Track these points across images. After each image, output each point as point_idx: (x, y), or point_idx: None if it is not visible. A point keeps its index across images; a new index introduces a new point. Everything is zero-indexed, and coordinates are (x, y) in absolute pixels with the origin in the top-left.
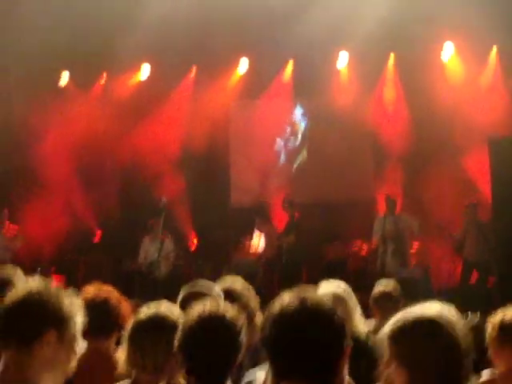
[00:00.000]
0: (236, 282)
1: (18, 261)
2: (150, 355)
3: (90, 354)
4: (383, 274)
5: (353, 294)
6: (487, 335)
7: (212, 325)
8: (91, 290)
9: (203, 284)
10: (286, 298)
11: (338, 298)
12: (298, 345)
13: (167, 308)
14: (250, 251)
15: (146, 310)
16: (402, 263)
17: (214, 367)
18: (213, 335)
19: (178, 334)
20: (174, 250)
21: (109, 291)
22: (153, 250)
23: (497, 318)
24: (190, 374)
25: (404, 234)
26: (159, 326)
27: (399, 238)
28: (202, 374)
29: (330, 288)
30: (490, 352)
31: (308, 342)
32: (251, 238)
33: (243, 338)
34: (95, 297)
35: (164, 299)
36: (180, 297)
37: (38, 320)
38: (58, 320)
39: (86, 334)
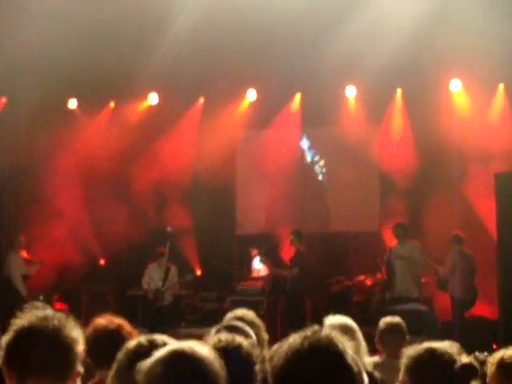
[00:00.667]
0: (248, 313)
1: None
2: None
3: None
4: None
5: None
6: (488, 372)
7: (228, 356)
8: (102, 320)
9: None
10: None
11: (348, 329)
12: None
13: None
14: (252, 276)
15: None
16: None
17: None
18: (229, 367)
19: None
20: (179, 279)
21: (120, 322)
22: (157, 278)
23: (497, 355)
24: None
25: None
26: (141, 356)
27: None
28: None
29: (338, 319)
30: None
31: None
32: (252, 264)
33: (257, 369)
34: (107, 327)
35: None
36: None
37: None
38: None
39: (98, 363)
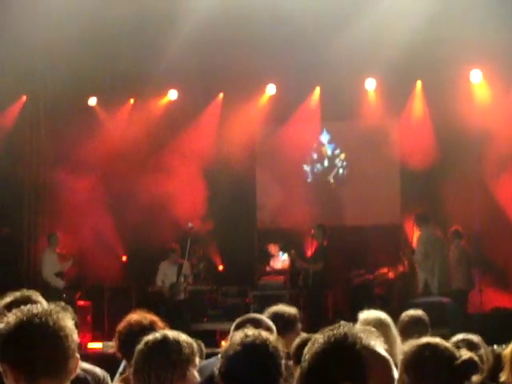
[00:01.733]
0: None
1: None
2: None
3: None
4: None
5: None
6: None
7: (254, 352)
8: (135, 316)
9: (255, 316)
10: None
11: (381, 324)
12: None
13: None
14: (274, 269)
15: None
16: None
17: None
18: (257, 362)
19: (220, 361)
20: (191, 273)
21: (152, 318)
22: (171, 275)
23: None
24: None
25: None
26: (151, 349)
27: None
28: None
29: (373, 314)
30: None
31: None
32: (272, 259)
33: (282, 365)
34: (140, 323)
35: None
36: (233, 325)
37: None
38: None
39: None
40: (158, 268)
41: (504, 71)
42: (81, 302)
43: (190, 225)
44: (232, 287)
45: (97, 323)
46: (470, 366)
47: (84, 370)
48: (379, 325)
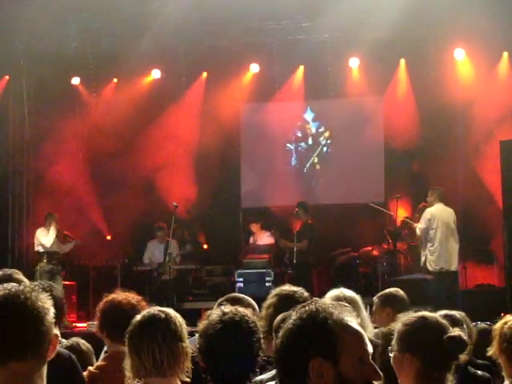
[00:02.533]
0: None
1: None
2: (147, 356)
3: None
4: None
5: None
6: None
7: (234, 328)
8: (117, 296)
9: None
10: None
11: (346, 300)
12: None
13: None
14: (256, 244)
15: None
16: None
17: (236, 371)
18: (237, 338)
19: (199, 340)
20: (179, 252)
21: (134, 298)
22: (158, 253)
23: (499, 324)
24: (212, 379)
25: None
26: (152, 324)
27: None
28: (225, 379)
29: (335, 292)
30: (501, 360)
31: None
32: (254, 234)
33: (261, 341)
34: (121, 302)
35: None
36: (216, 304)
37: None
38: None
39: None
40: (145, 247)
41: (486, 49)
42: (65, 282)
43: (174, 204)
44: (217, 266)
45: (82, 303)
46: (458, 343)
47: (68, 348)
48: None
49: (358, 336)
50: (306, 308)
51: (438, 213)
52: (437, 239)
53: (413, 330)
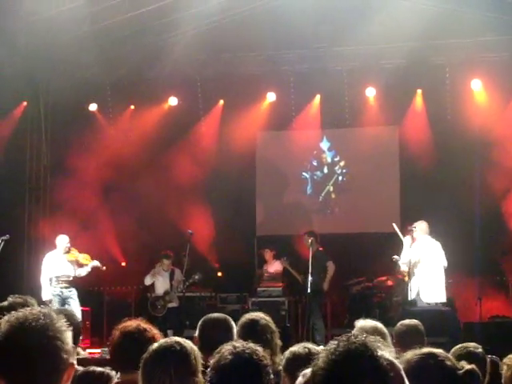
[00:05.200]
0: (264, 317)
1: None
2: None
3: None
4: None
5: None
6: (503, 376)
7: (246, 361)
8: (129, 324)
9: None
10: None
11: (379, 332)
12: None
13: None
14: (268, 271)
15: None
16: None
17: None
18: (247, 372)
19: (210, 372)
20: (186, 280)
21: (146, 326)
22: (163, 280)
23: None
24: None
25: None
26: (166, 356)
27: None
28: None
29: (370, 323)
30: None
31: None
32: (267, 262)
33: (271, 376)
34: (134, 331)
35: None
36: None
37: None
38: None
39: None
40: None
41: (503, 80)
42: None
43: (189, 231)
44: (231, 294)
45: (95, 329)
46: (472, 377)
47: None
48: (376, 333)
49: (400, 371)
50: (352, 340)
51: None
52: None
53: (426, 367)
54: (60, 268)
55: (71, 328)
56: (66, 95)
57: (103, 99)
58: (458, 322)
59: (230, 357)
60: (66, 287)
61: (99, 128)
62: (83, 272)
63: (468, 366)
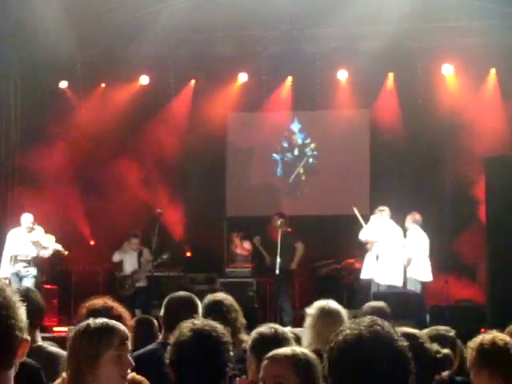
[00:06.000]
0: (227, 297)
1: None
2: None
3: None
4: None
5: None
6: (468, 357)
7: (205, 337)
8: (96, 302)
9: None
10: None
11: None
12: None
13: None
14: (237, 252)
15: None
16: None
17: (205, 380)
18: (207, 347)
19: (170, 349)
20: (154, 260)
21: (113, 304)
22: (130, 260)
23: (477, 340)
24: None
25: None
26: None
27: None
28: None
29: (323, 303)
30: (471, 375)
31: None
32: (234, 244)
33: (230, 353)
34: (103, 307)
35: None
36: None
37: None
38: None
39: None
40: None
41: (474, 65)
42: (47, 286)
43: (158, 210)
44: (200, 274)
45: (63, 307)
46: (445, 362)
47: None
48: (335, 313)
49: None
50: (379, 324)
51: None
52: None
53: None
54: (21, 247)
55: (26, 305)
56: (37, 72)
57: (74, 77)
58: (424, 305)
59: (189, 333)
60: (24, 266)
61: (69, 106)
62: (46, 254)
63: (445, 350)
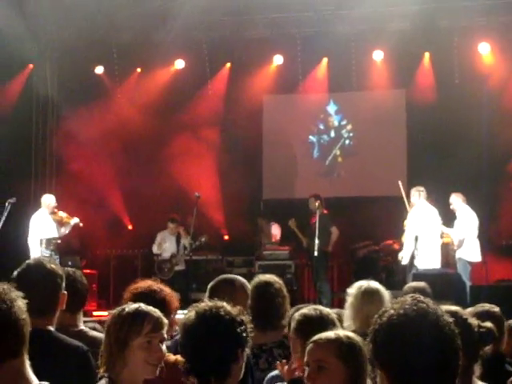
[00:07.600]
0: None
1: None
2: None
3: None
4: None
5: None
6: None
7: (210, 320)
8: (141, 284)
9: (227, 276)
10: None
11: (374, 293)
12: None
13: None
14: (273, 240)
15: None
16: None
17: (211, 365)
18: (211, 330)
19: (179, 333)
20: (193, 243)
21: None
22: (169, 244)
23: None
24: (193, 372)
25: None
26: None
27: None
28: (205, 370)
29: (363, 283)
30: None
31: None
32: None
33: (244, 334)
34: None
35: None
36: (208, 287)
37: None
38: None
39: None
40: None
41: (511, 44)
42: (86, 271)
43: (196, 194)
44: (237, 257)
45: (102, 292)
46: (489, 336)
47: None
48: (375, 293)
49: None
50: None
51: None
52: None
53: None
54: (49, 230)
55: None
56: (73, 57)
57: (109, 62)
58: (464, 285)
59: (191, 314)
60: (54, 251)
61: (105, 91)
62: (66, 230)
63: (488, 324)
